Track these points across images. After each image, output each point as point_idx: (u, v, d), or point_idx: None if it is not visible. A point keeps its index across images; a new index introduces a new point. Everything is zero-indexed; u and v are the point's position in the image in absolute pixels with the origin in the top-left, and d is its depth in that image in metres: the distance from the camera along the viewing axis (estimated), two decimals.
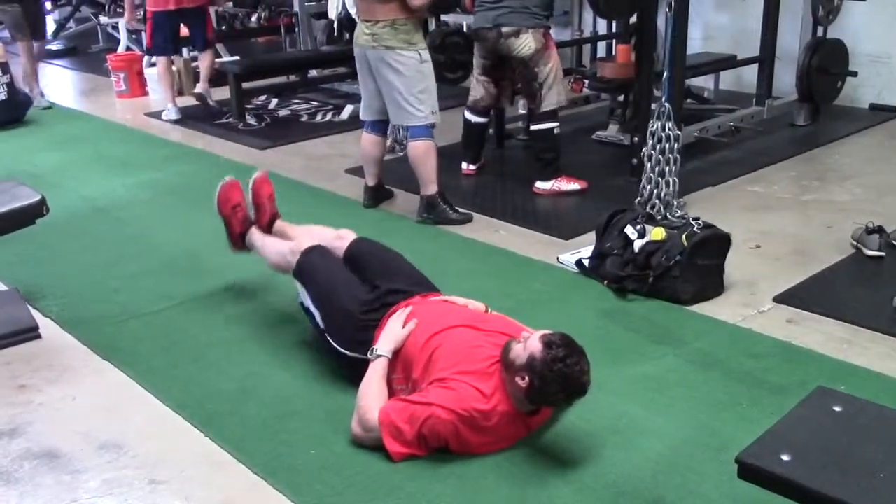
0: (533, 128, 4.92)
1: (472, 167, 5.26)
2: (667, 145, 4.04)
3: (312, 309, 3.03)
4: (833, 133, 5.89)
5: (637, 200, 4.10)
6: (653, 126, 4.07)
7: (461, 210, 4.54)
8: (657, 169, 4.05)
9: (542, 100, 4.75)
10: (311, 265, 3.11)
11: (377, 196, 4.78)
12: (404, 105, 4.31)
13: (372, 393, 2.65)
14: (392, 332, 2.77)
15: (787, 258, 3.92)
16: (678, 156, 4.07)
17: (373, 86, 4.42)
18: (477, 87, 5.04)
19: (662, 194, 4.01)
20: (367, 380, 2.69)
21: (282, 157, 5.82)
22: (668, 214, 3.82)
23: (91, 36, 10.60)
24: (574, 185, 4.87)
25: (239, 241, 3.58)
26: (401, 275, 3.10)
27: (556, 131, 4.82)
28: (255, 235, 3.53)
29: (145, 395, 2.97)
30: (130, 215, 4.80)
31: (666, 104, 4.03)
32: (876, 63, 6.41)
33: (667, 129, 4.02)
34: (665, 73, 4.25)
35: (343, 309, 2.92)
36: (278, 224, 3.59)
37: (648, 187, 4.07)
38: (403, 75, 4.26)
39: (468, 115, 5.12)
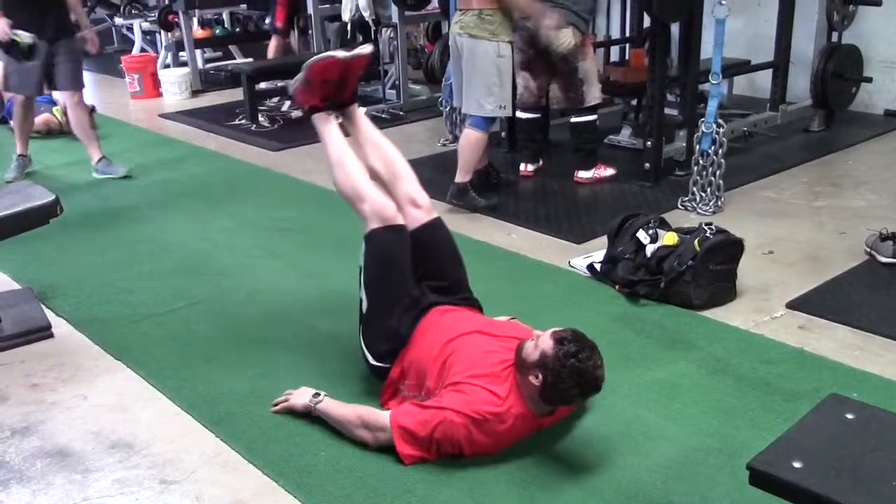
0: (575, 120, 5.05)
1: (530, 168, 5.29)
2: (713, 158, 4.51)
3: (363, 287, 2.91)
4: (847, 139, 5.87)
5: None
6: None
7: (488, 198, 4.68)
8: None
9: (584, 94, 4.89)
10: (384, 247, 2.91)
11: (483, 182, 4.86)
12: (474, 94, 4.44)
13: (350, 411, 2.67)
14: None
15: (800, 264, 3.90)
16: (722, 160, 4.52)
17: (463, 74, 4.53)
18: (519, 83, 4.96)
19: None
20: (338, 413, 2.69)
21: (295, 159, 5.83)
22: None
23: (106, 37, 10.64)
24: (610, 171, 5.12)
25: (308, 109, 3.14)
26: (454, 290, 3.01)
27: (597, 123, 5.06)
28: (330, 129, 3.10)
29: (157, 395, 2.98)
30: (144, 216, 4.81)
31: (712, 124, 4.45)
32: (891, 69, 6.38)
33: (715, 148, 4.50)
34: (710, 102, 4.52)
35: (387, 326, 2.84)
36: (355, 110, 3.20)
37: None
38: (479, 65, 4.38)
39: (518, 113, 5.10)
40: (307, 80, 3.06)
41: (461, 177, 4.64)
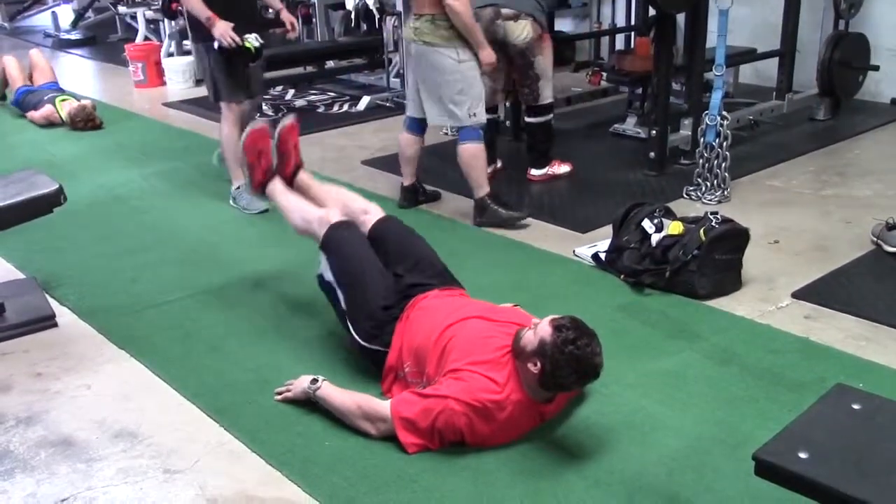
0: (530, 120, 4.91)
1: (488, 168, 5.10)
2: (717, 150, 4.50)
3: (335, 285, 3.00)
4: (854, 128, 5.84)
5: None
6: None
7: (514, 211, 4.36)
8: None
9: (538, 92, 4.74)
10: (338, 242, 3.07)
11: (411, 197, 4.65)
12: (436, 105, 4.25)
13: (350, 400, 2.67)
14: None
15: (806, 254, 3.89)
16: (727, 153, 4.51)
17: (413, 81, 4.40)
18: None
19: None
20: (337, 401, 2.68)
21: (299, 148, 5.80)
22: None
23: (109, 25, 10.63)
24: (565, 168, 4.99)
25: (259, 189, 3.47)
26: (423, 265, 3.07)
27: (552, 123, 4.93)
28: (279, 189, 3.41)
29: (161, 385, 2.98)
30: (148, 205, 4.81)
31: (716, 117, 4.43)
32: None
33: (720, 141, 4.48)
34: (713, 94, 4.50)
35: (366, 304, 2.91)
36: (302, 176, 3.49)
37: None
38: (437, 74, 4.19)
39: None
40: (249, 165, 3.44)
41: (477, 192, 4.35)
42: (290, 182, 3.46)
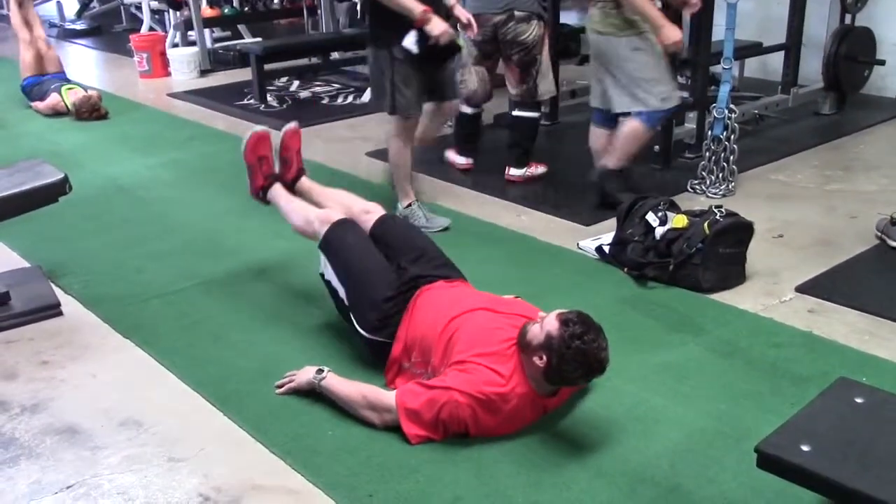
0: (519, 114, 4.81)
1: (469, 161, 5.08)
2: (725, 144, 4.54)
3: (336, 283, 3.02)
4: (859, 122, 5.83)
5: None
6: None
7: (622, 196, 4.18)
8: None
9: (536, 87, 4.70)
10: (339, 239, 3.08)
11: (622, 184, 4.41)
12: (632, 91, 4.15)
13: (355, 390, 2.68)
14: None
15: (810, 248, 3.88)
16: (735, 146, 4.54)
17: (594, 71, 4.34)
18: (471, 78, 4.84)
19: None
20: (342, 392, 2.69)
21: (303, 140, 5.78)
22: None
23: (114, 15, 10.63)
24: (542, 169, 4.93)
25: (259, 192, 3.48)
26: (427, 257, 3.07)
27: (539, 120, 4.90)
28: (280, 193, 3.44)
29: (165, 374, 3.00)
30: (153, 195, 4.82)
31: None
32: None
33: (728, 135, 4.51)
34: (721, 87, 4.47)
35: (369, 295, 2.91)
36: (304, 181, 3.53)
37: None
38: (620, 62, 4.11)
39: (464, 108, 4.94)
40: (249, 168, 3.45)
41: (613, 163, 4.28)
42: (292, 188, 3.49)
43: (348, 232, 3.11)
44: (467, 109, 5.00)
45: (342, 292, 2.99)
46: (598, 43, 4.20)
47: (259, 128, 3.50)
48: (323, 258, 3.10)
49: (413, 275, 2.95)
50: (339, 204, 3.34)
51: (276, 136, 3.56)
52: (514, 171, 4.87)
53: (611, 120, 4.36)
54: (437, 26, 3.80)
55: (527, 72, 4.68)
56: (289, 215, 3.36)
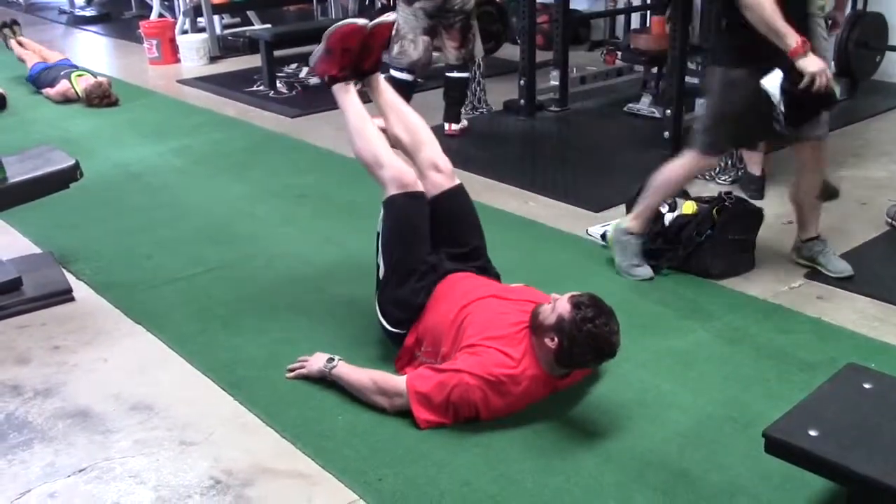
0: (453, 75, 5.35)
1: (455, 127, 5.44)
2: None
3: (380, 252, 2.93)
4: (870, 108, 5.80)
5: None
6: None
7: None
8: None
9: (472, 49, 5.27)
10: (404, 215, 2.92)
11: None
12: None
13: (365, 376, 2.68)
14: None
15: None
16: None
17: None
18: (417, 48, 5.12)
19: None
20: (353, 378, 2.70)
21: (312, 126, 5.83)
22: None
23: (124, 2, 10.62)
24: (464, 123, 5.50)
25: (326, 78, 3.16)
26: (470, 259, 3.00)
27: (468, 80, 5.55)
28: (351, 99, 3.10)
29: (176, 359, 3.01)
30: (163, 182, 4.83)
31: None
32: None
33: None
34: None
35: (404, 295, 2.86)
36: (379, 79, 3.21)
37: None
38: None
39: (402, 75, 5.19)
40: (328, 50, 3.08)
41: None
42: (363, 76, 3.17)
43: (413, 212, 2.93)
44: (407, 77, 5.23)
45: (382, 270, 2.93)
46: None
47: (361, 21, 3.09)
48: (381, 214, 2.96)
49: (447, 270, 2.90)
50: (413, 142, 3.09)
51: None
52: (455, 127, 5.42)
53: None
54: (811, 64, 2.96)
55: (465, 37, 5.20)
56: (354, 134, 3.08)
